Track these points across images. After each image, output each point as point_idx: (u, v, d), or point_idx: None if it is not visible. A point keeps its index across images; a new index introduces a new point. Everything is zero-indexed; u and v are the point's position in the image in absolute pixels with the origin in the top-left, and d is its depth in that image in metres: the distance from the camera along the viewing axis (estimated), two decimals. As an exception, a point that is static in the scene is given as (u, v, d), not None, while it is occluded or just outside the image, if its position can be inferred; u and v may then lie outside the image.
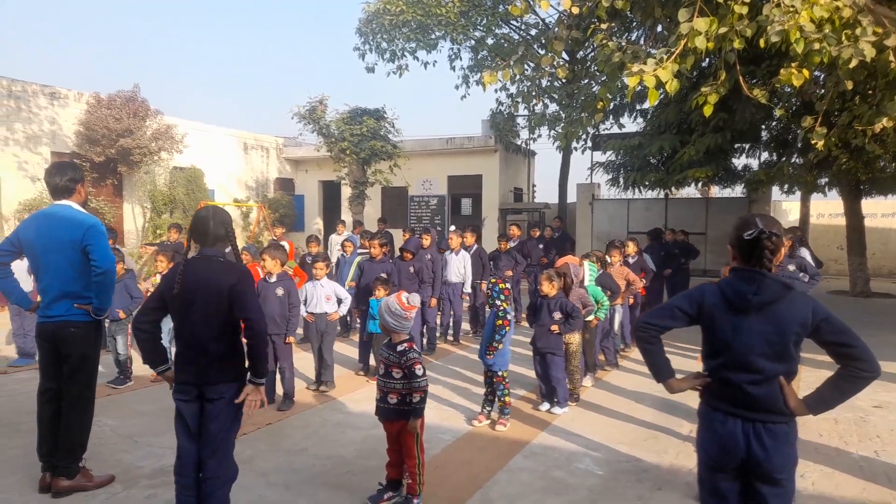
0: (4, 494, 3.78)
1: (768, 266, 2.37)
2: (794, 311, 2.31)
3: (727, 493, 2.41)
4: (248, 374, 3.08)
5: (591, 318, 6.17)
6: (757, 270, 2.37)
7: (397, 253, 8.46)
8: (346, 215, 18.28)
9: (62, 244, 3.76)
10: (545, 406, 5.56)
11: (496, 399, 5.20)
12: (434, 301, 7.91)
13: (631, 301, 7.91)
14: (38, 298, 3.91)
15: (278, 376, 5.65)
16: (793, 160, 13.41)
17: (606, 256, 7.15)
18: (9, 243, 3.92)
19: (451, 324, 8.69)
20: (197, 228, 3.11)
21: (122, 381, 6.17)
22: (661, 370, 2.52)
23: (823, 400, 2.32)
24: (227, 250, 3.22)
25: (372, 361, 6.57)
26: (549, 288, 5.47)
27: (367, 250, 7.62)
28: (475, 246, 9.15)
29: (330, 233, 14.76)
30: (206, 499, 3.06)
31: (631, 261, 8.34)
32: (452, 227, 8.98)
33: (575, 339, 5.69)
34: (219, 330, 2.98)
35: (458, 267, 8.46)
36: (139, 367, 6.73)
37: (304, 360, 6.91)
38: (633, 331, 2.57)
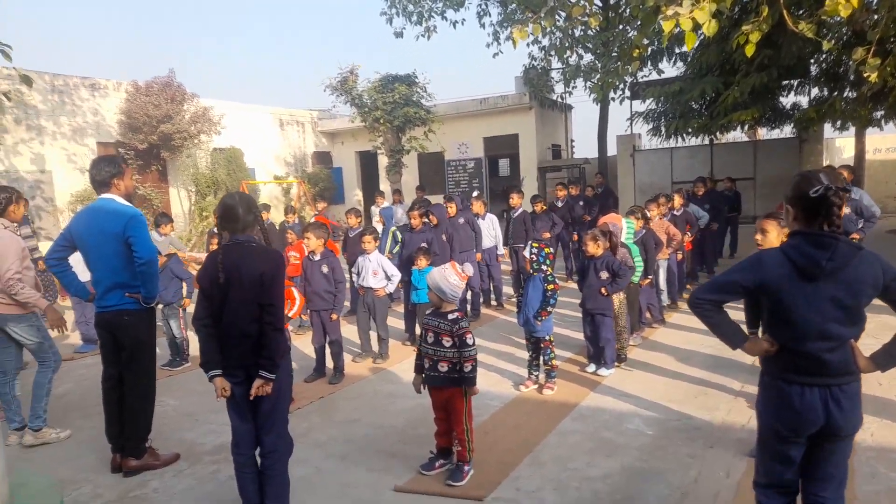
0: (81, 474, 4.02)
1: (838, 224, 2.21)
2: (866, 273, 2.19)
3: (795, 457, 2.36)
4: (260, 367, 3.04)
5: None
6: (828, 234, 2.21)
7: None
8: (385, 185, 18.33)
9: (107, 237, 3.90)
10: (591, 367, 5.54)
11: (542, 363, 5.20)
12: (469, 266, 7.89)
13: (679, 257, 7.71)
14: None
15: (328, 350, 5.78)
16: (845, 94, 12.70)
17: (646, 211, 6.97)
18: (63, 238, 4.11)
19: (491, 288, 8.69)
20: (225, 216, 3.14)
21: (179, 363, 6.42)
22: (732, 338, 2.41)
23: (892, 356, 2.27)
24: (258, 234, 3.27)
25: (418, 331, 6.65)
26: (595, 248, 5.39)
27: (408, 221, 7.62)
28: (520, 209, 9.04)
29: (370, 204, 14.84)
30: (267, 472, 3.19)
31: (677, 213, 8.11)
32: (475, 193, 8.88)
33: (618, 298, 5.61)
34: (258, 313, 3.05)
35: (488, 230, 8.40)
36: (195, 348, 7.00)
37: (350, 333, 7.04)
38: (689, 303, 2.46)
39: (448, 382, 3.66)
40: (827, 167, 7.52)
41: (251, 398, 3.07)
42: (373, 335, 6.36)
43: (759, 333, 2.55)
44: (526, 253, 5.07)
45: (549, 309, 5.00)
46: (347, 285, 6.08)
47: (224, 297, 3.05)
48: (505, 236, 8.88)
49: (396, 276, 6.25)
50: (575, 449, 4.00)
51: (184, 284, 6.50)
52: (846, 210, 5.55)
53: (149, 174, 15.70)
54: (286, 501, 3.27)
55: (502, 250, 8.66)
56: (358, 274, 6.24)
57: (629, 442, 4.05)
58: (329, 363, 5.82)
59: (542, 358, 5.18)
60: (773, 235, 3.88)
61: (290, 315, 5.05)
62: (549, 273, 5.02)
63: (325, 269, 5.64)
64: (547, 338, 5.10)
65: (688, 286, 8.50)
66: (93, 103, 14.81)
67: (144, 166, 15.47)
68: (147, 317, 4.10)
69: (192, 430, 4.71)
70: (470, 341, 3.61)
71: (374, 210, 11.61)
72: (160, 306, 6.39)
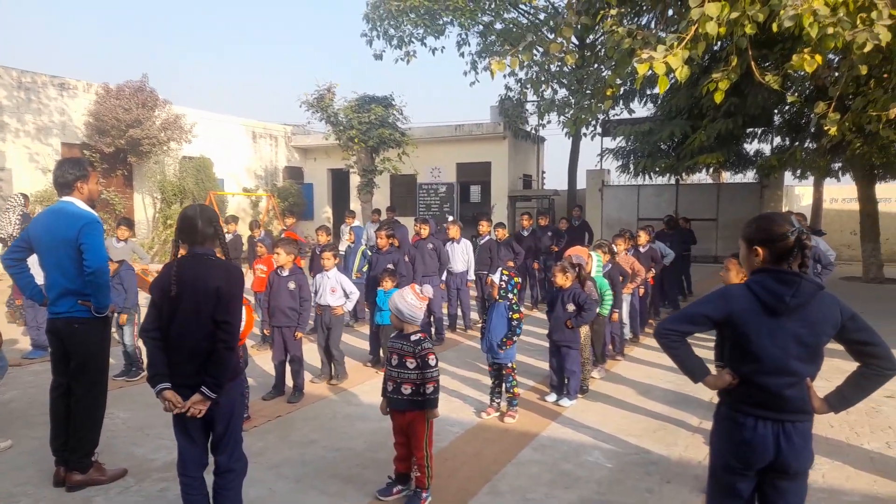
0: (19, 488, 3.84)
1: (808, 266, 2.29)
2: (826, 312, 2.26)
3: (743, 491, 2.38)
4: (203, 384, 2.88)
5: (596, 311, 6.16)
6: (793, 272, 2.28)
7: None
8: (356, 204, 18.28)
9: (62, 241, 3.77)
10: (552, 397, 5.56)
11: (504, 390, 5.20)
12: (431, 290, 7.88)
13: (641, 292, 7.84)
14: None
15: (288, 368, 5.68)
16: (805, 145, 13.23)
17: (613, 246, 7.09)
18: (21, 239, 3.97)
19: (458, 314, 8.69)
20: (184, 228, 3.04)
21: (136, 372, 6.22)
22: (694, 371, 2.43)
23: (845, 398, 2.32)
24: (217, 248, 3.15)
25: (382, 353, 6.58)
26: (563, 279, 5.43)
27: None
28: (487, 236, 9.12)
29: (339, 222, 14.75)
30: (220, 493, 3.08)
31: (642, 250, 8.27)
32: (450, 218, 8.96)
33: (583, 330, 5.66)
34: (211, 329, 2.92)
35: (461, 255, 8.45)
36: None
37: (311, 352, 6.93)
38: (655, 333, 2.48)
39: (411, 406, 3.63)
40: (786, 213, 7.79)
41: (186, 412, 2.89)
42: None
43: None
44: (496, 278, 5.08)
45: (515, 339, 5.02)
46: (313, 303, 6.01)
47: (174, 311, 2.92)
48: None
49: (355, 293, 6.19)
50: (534, 480, 3.98)
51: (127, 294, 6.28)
52: None
53: (113, 178, 15.37)
54: None
55: (472, 276, 8.70)
56: (315, 292, 6.14)
57: (588, 475, 4.06)
58: (289, 381, 5.72)
59: (504, 385, 5.18)
60: (734, 273, 4.22)
61: None
62: (514, 302, 5.04)
63: (291, 285, 5.57)
64: (509, 365, 5.11)
65: (650, 321, 8.66)
66: (60, 103, 14.49)
67: (109, 170, 15.15)
68: (99, 326, 3.93)
69: (143, 444, 4.54)
70: (432, 362, 3.59)
71: (344, 229, 11.44)
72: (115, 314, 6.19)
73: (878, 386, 2.28)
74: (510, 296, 5.04)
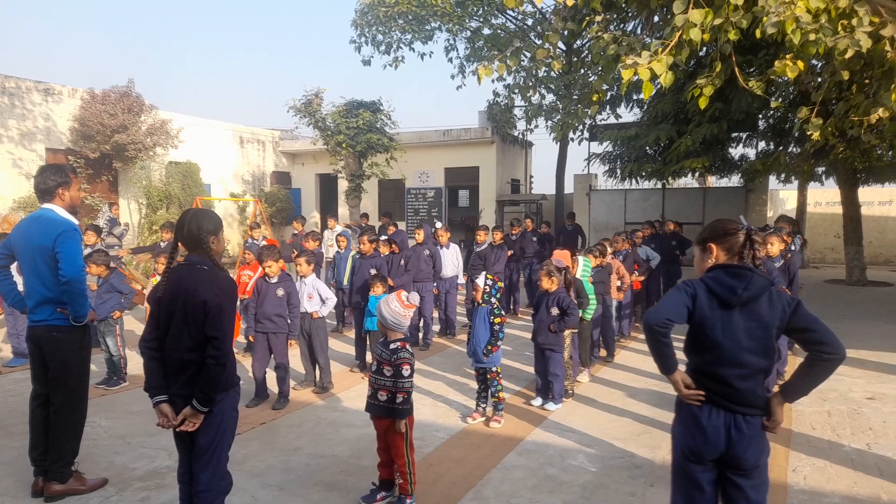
0: (-2, 498, 3.78)
1: (760, 258, 2.46)
2: (775, 307, 2.38)
3: (703, 483, 2.46)
4: (194, 397, 2.81)
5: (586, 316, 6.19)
6: (745, 266, 2.44)
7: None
8: (343, 208, 18.25)
9: (39, 249, 3.71)
10: (538, 401, 5.56)
11: (490, 395, 5.19)
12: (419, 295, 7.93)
13: (619, 296, 7.88)
14: None
15: (273, 374, 5.64)
16: (789, 149, 13.39)
17: (607, 247, 7.18)
18: (3, 246, 3.94)
19: (445, 318, 8.69)
20: (179, 232, 2.98)
21: (116, 381, 6.15)
22: (670, 364, 2.50)
23: (795, 388, 2.40)
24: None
25: (369, 358, 6.56)
26: (549, 283, 5.44)
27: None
28: (486, 243, 9.30)
29: (325, 228, 14.69)
30: None
31: (620, 257, 8.28)
32: (439, 224, 9.00)
33: (566, 334, 5.67)
34: (199, 342, 2.84)
35: (451, 260, 8.47)
36: (133, 367, 6.73)
37: (294, 358, 6.88)
38: (648, 325, 2.50)
39: (385, 412, 3.61)
40: (781, 216, 7.95)
41: (177, 429, 2.85)
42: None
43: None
44: (480, 282, 5.08)
45: (499, 344, 5.02)
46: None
47: (168, 321, 2.88)
48: (465, 267, 9.03)
49: (332, 299, 6.14)
50: (518, 484, 3.98)
51: (123, 297, 6.26)
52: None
53: (98, 184, 15.24)
54: None
55: (462, 280, 8.73)
56: None
57: (572, 479, 4.06)
58: (273, 387, 5.68)
59: (489, 390, 5.17)
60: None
61: None
62: (496, 306, 5.05)
63: (280, 292, 5.55)
64: (494, 369, 5.10)
65: (637, 324, 8.72)
66: (45, 108, 14.36)
67: (94, 176, 15.01)
68: (77, 335, 3.85)
69: (124, 453, 4.49)
70: (405, 372, 3.56)
71: (327, 234, 11.26)
72: (96, 322, 6.14)
73: (825, 373, 2.35)
74: (493, 300, 5.04)
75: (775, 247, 5.68)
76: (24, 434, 4.03)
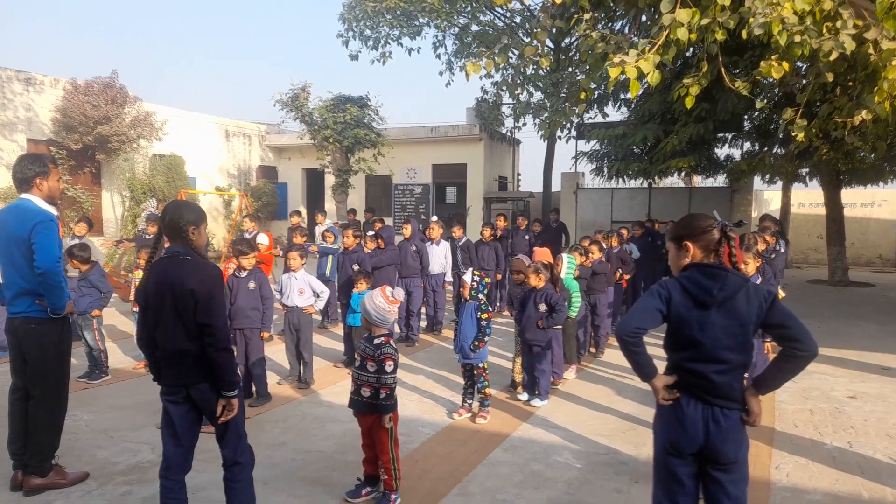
0: (-25, 492, 3.72)
1: (734, 258, 2.44)
2: (752, 303, 2.39)
3: (683, 477, 2.48)
4: (220, 389, 2.92)
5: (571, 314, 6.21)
6: (719, 265, 2.44)
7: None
8: (330, 203, 18.16)
9: (16, 239, 3.65)
10: (524, 396, 5.58)
11: (476, 391, 5.19)
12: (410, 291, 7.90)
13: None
14: None
15: (251, 371, 5.54)
16: (774, 150, 13.50)
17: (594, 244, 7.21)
18: None
19: (434, 314, 8.68)
20: (161, 221, 2.99)
21: (98, 375, 6.07)
22: (648, 371, 2.50)
23: (767, 381, 2.43)
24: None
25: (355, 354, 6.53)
26: (536, 280, 5.46)
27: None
28: (464, 238, 9.21)
29: (312, 222, 14.60)
30: (231, 486, 3.11)
31: (613, 250, 8.34)
32: (434, 218, 8.98)
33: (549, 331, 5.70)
34: (194, 331, 2.86)
35: (440, 257, 8.45)
36: (115, 360, 6.65)
37: (279, 353, 6.85)
38: (619, 335, 2.51)
39: (369, 409, 3.59)
40: (765, 215, 8.01)
41: (219, 421, 2.97)
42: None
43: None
44: (467, 279, 5.08)
45: (486, 340, 5.02)
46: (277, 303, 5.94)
47: (157, 315, 2.88)
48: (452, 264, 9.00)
49: (325, 292, 6.11)
50: (504, 480, 3.98)
51: (102, 295, 6.17)
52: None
53: (81, 176, 15.02)
54: None
55: (450, 277, 8.70)
56: (281, 292, 6.05)
57: (558, 475, 4.07)
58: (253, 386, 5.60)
59: (476, 386, 5.17)
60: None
61: None
62: (483, 302, 5.05)
63: (251, 285, 5.42)
64: (481, 365, 5.11)
65: None
66: (26, 98, 14.11)
67: (77, 167, 14.80)
68: (56, 328, 3.79)
69: (106, 447, 4.43)
70: (388, 368, 3.54)
71: (318, 230, 11.28)
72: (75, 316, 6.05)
73: (797, 368, 2.38)
74: (479, 296, 5.04)
75: (750, 266, 5.22)
76: (2, 427, 3.96)
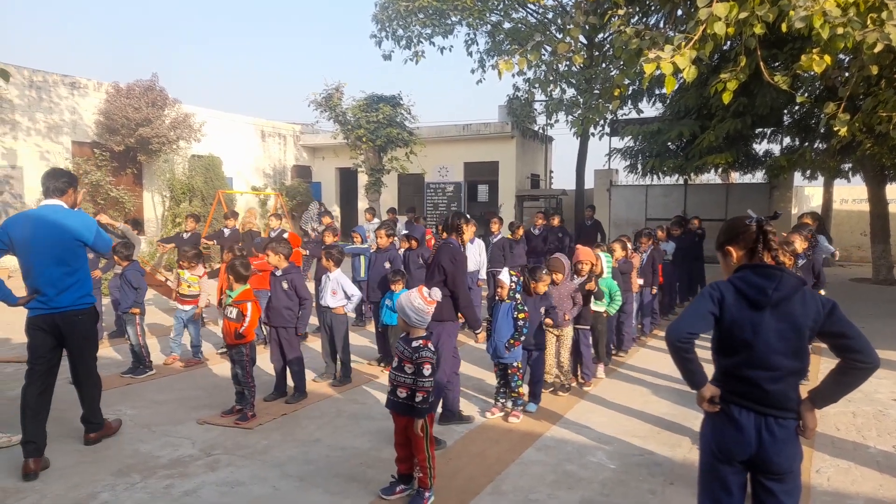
0: (27, 483, 3.86)
1: (776, 250, 2.37)
2: (808, 307, 2.29)
3: (732, 485, 2.39)
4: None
5: (602, 309, 6.16)
6: (774, 266, 2.36)
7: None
8: (363, 202, 18.31)
9: (68, 239, 4.20)
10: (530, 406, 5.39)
11: (509, 390, 5.19)
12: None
13: (653, 290, 8.00)
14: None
15: (288, 369, 5.64)
16: (815, 145, 13.15)
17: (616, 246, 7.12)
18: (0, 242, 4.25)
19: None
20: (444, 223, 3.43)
21: (142, 370, 6.24)
22: (699, 378, 2.42)
23: (826, 394, 2.33)
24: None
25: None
26: (544, 287, 5.35)
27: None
28: (500, 234, 9.20)
29: (347, 220, 14.75)
30: None
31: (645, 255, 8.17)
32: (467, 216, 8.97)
33: (567, 332, 5.68)
34: None
35: (474, 255, 8.46)
36: (158, 356, 6.85)
37: (313, 351, 6.96)
38: (671, 341, 2.44)
39: (405, 409, 3.61)
40: (804, 214, 7.80)
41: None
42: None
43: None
44: (504, 279, 5.05)
45: (522, 339, 4.98)
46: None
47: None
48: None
49: (356, 295, 6.13)
50: (537, 480, 3.98)
51: (136, 291, 6.34)
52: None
53: (123, 177, 15.47)
54: None
55: (483, 275, 8.72)
56: (318, 293, 6.11)
57: (591, 475, 4.05)
58: (290, 381, 5.70)
59: (509, 385, 5.17)
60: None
61: (241, 331, 4.93)
62: (519, 302, 5.02)
63: (284, 284, 5.49)
64: (515, 364, 5.09)
65: (664, 319, 8.77)
66: (71, 101, 14.59)
67: (119, 168, 15.24)
68: (94, 316, 4.46)
69: (148, 441, 4.58)
70: (426, 372, 3.54)
71: (368, 227, 11.30)
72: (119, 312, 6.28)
73: (858, 381, 2.27)
74: (517, 296, 5.02)
75: (798, 243, 5.53)
76: (55, 419, 4.16)
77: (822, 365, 6.08)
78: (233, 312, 4.98)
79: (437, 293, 3.80)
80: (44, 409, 4.09)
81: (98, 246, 4.32)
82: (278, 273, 5.57)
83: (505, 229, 9.76)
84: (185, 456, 4.31)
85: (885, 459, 4.29)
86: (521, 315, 4.95)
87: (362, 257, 8.59)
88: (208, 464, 4.17)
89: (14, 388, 5.76)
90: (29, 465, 3.92)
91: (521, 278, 5.13)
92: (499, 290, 5.06)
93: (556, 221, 11.23)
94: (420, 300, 3.67)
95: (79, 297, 4.20)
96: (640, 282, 7.66)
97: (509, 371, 5.11)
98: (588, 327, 6.00)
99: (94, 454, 4.30)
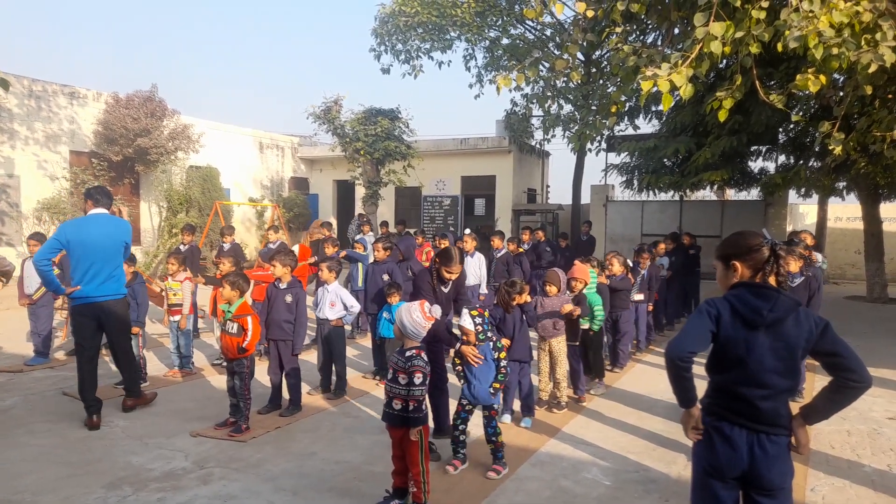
0: (18, 495, 3.83)
1: (783, 279, 2.36)
2: (801, 327, 2.30)
3: (725, 501, 2.40)
4: None
5: (585, 325, 6.05)
6: (770, 286, 2.35)
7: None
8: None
9: (119, 241, 5.32)
10: (507, 418, 5.30)
11: (486, 440, 4.38)
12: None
13: (650, 307, 8.03)
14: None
15: (284, 382, 5.60)
16: (810, 163, 13.24)
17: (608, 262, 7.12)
18: (57, 242, 5.03)
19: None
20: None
21: (136, 381, 6.20)
22: (691, 397, 2.43)
23: (817, 411, 2.35)
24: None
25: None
26: (520, 298, 5.17)
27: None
28: (503, 249, 9.23)
29: (343, 232, 14.76)
30: None
31: (645, 273, 8.15)
32: (467, 231, 9.03)
33: (562, 347, 5.64)
34: None
35: (475, 269, 8.47)
36: (151, 368, 6.81)
37: (308, 363, 6.92)
38: (671, 358, 2.42)
39: (400, 421, 3.60)
40: (792, 231, 7.85)
41: None
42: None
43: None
44: (467, 324, 4.26)
45: (504, 380, 4.41)
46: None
47: None
48: (487, 276, 9.06)
49: (355, 307, 6.12)
50: (532, 496, 3.96)
51: (138, 306, 6.30)
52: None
53: (120, 187, 15.47)
54: None
55: (485, 290, 8.72)
56: (315, 305, 6.11)
57: (586, 492, 4.04)
58: (286, 394, 5.66)
59: (485, 433, 4.37)
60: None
61: (243, 346, 4.92)
62: (495, 340, 4.37)
63: (288, 298, 5.49)
64: (495, 407, 4.44)
65: (658, 335, 8.76)
66: (70, 111, 14.63)
67: (117, 178, 15.25)
68: (126, 303, 5.47)
69: (141, 454, 4.54)
70: (417, 380, 3.53)
71: (367, 239, 11.29)
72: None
73: (849, 400, 2.28)
74: (490, 334, 4.36)
75: (792, 265, 5.52)
76: (46, 432, 4.13)
77: (816, 383, 6.09)
78: (233, 327, 4.96)
79: (437, 310, 3.81)
80: (95, 378, 5.10)
81: (129, 248, 5.41)
82: (282, 286, 5.56)
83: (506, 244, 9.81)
84: (177, 469, 4.27)
85: (879, 478, 4.29)
86: (502, 354, 4.37)
87: (360, 265, 8.58)
88: (201, 477, 4.14)
89: (5, 399, 5.72)
90: (93, 420, 4.93)
91: (486, 314, 4.45)
92: (464, 337, 4.30)
93: (540, 236, 11.29)
94: (420, 314, 3.68)
95: (116, 289, 5.17)
96: (640, 297, 7.69)
97: (490, 414, 4.36)
98: (577, 343, 5.95)
99: (86, 466, 4.26)
